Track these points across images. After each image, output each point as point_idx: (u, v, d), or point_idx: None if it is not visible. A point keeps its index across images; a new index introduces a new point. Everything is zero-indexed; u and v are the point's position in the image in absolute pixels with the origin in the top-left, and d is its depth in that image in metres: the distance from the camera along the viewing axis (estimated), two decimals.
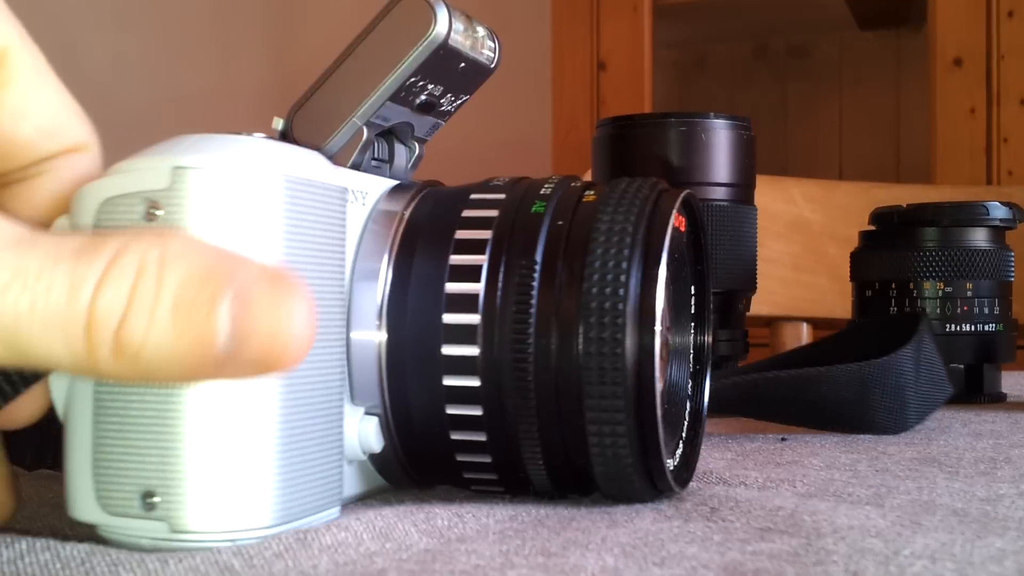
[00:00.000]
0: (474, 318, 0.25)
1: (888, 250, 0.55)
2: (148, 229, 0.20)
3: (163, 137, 0.23)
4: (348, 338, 0.25)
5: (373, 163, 0.27)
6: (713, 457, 0.36)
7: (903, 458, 0.36)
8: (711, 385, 0.30)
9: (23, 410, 0.23)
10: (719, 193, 0.47)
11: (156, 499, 0.21)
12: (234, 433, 0.21)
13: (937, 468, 0.33)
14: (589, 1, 1.49)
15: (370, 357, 0.25)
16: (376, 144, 0.27)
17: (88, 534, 0.23)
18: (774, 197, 0.98)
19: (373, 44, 0.25)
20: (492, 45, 0.28)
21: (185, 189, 0.21)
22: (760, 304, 0.66)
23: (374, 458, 0.26)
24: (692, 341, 0.30)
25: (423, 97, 0.27)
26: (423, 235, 0.26)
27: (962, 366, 0.54)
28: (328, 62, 0.26)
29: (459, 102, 0.29)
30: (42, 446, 0.26)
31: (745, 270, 0.48)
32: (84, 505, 0.22)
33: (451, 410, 0.25)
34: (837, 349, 0.47)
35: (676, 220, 0.26)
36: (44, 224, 0.23)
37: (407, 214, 0.27)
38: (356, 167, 0.26)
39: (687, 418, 0.29)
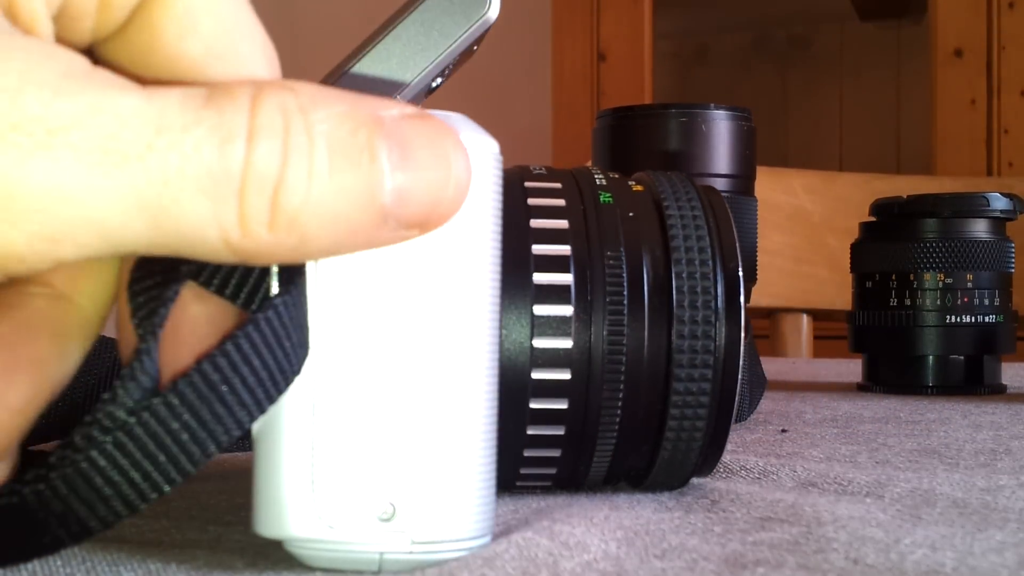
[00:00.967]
0: (567, 309, 0.24)
1: (888, 241, 0.55)
2: (268, 80, 0.16)
3: None
4: None
5: None
6: None
7: (903, 449, 0.36)
8: None
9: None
10: (719, 184, 0.47)
11: (397, 510, 0.19)
12: (462, 438, 0.20)
13: (937, 459, 0.34)
14: None
15: None
16: None
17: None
18: (774, 188, 0.98)
19: (417, 23, 0.24)
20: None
21: None
22: (760, 295, 0.66)
23: None
24: None
25: (439, 80, 0.26)
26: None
27: (962, 357, 0.54)
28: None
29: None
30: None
31: (745, 261, 0.48)
32: (291, 520, 0.20)
33: (535, 404, 0.25)
34: None
35: None
36: None
37: None
38: None
39: None
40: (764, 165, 0.60)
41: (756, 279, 0.49)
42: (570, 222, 0.25)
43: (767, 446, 0.36)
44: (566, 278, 0.25)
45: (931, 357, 0.54)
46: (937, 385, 0.54)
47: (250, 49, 0.19)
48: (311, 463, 0.20)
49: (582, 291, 0.25)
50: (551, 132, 1.49)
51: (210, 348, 0.17)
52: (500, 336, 0.23)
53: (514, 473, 0.26)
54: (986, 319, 0.53)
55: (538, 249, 0.25)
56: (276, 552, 0.21)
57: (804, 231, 0.97)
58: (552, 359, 0.24)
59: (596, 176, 0.27)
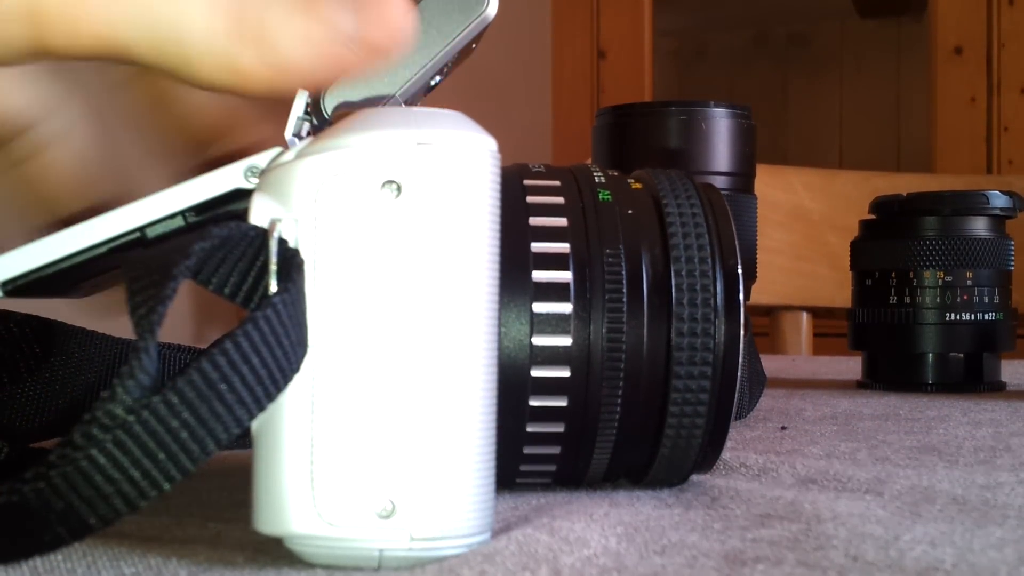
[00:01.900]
0: (566, 307, 0.24)
1: (888, 239, 0.55)
2: None
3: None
4: None
5: None
6: None
7: (903, 446, 0.36)
8: None
9: None
10: (719, 182, 0.47)
11: (396, 507, 0.19)
12: (462, 435, 0.20)
13: (937, 456, 0.34)
14: None
15: None
16: None
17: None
18: (774, 186, 0.98)
19: (418, 20, 0.24)
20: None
21: (430, 167, 0.20)
22: (760, 293, 0.66)
23: None
24: None
25: (438, 78, 0.26)
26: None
27: (962, 355, 0.54)
28: None
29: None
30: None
31: (745, 259, 0.48)
32: (291, 517, 0.19)
33: (535, 402, 0.25)
34: None
35: None
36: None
37: None
38: None
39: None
40: (764, 163, 0.60)
41: (756, 277, 0.49)
42: (569, 220, 0.25)
43: (767, 443, 0.36)
44: (565, 276, 0.25)
45: (931, 355, 0.54)
46: (937, 382, 0.54)
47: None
48: (310, 460, 0.19)
49: (581, 289, 0.25)
50: (550, 130, 1.49)
51: (209, 347, 0.18)
52: (499, 334, 0.24)
53: (514, 470, 0.26)
54: (986, 317, 0.53)
55: (537, 247, 0.25)
56: (276, 549, 0.21)
57: (804, 229, 0.98)
58: (551, 357, 0.24)
59: (595, 174, 0.27)
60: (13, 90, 0.21)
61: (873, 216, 0.56)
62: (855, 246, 0.57)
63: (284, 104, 0.22)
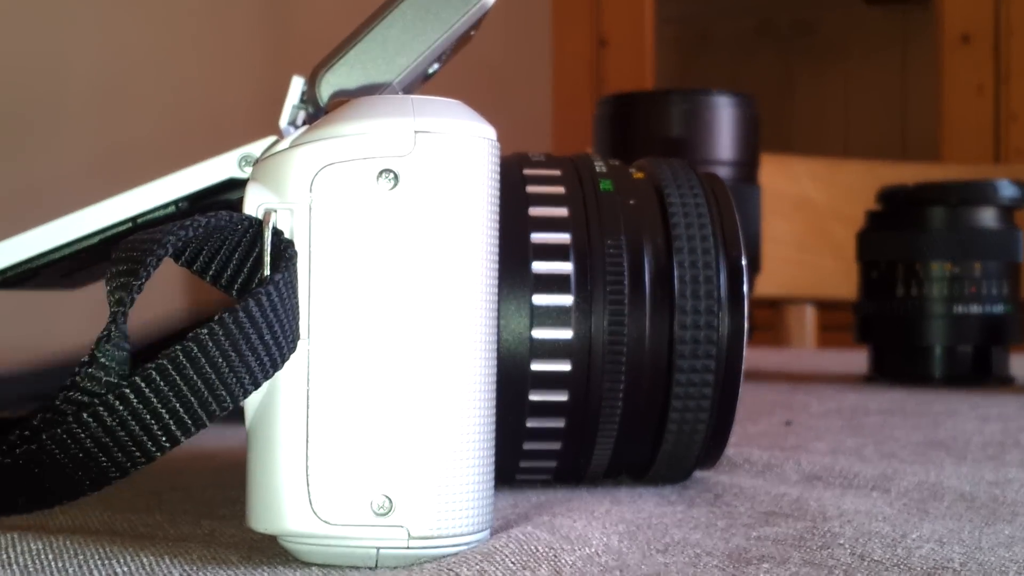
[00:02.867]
0: (567, 299, 0.24)
1: (895, 230, 0.54)
2: None
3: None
4: None
5: None
6: None
7: (910, 442, 0.35)
8: None
9: None
10: (722, 171, 0.46)
11: (394, 504, 0.19)
12: (460, 431, 0.20)
13: (944, 452, 0.33)
14: None
15: None
16: None
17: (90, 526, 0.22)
18: (778, 176, 0.97)
19: (414, 7, 0.24)
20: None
21: (428, 156, 0.19)
22: (764, 284, 0.66)
23: None
24: None
25: (436, 66, 0.26)
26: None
27: (970, 348, 0.53)
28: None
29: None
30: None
31: (749, 250, 0.47)
32: (286, 515, 0.19)
33: (535, 396, 0.24)
34: None
35: None
36: None
37: None
38: None
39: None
40: (768, 152, 0.59)
41: (760, 268, 0.48)
42: (570, 210, 0.25)
43: (771, 438, 0.36)
44: (566, 267, 0.24)
45: (938, 348, 0.53)
46: (944, 376, 0.53)
47: None
48: (305, 456, 0.19)
49: (582, 280, 0.24)
50: (551, 118, 1.48)
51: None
52: (499, 327, 0.23)
53: (513, 466, 0.26)
54: (994, 309, 0.53)
55: (537, 237, 0.24)
56: (271, 547, 0.21)
57: (809, 219, 0.97)
58: (552, 350, 0.24)
59: (596, 163, 0.26)
60: None
61: (879, 206, 0.56)
62: (861, 237, 0.56)
63: None
